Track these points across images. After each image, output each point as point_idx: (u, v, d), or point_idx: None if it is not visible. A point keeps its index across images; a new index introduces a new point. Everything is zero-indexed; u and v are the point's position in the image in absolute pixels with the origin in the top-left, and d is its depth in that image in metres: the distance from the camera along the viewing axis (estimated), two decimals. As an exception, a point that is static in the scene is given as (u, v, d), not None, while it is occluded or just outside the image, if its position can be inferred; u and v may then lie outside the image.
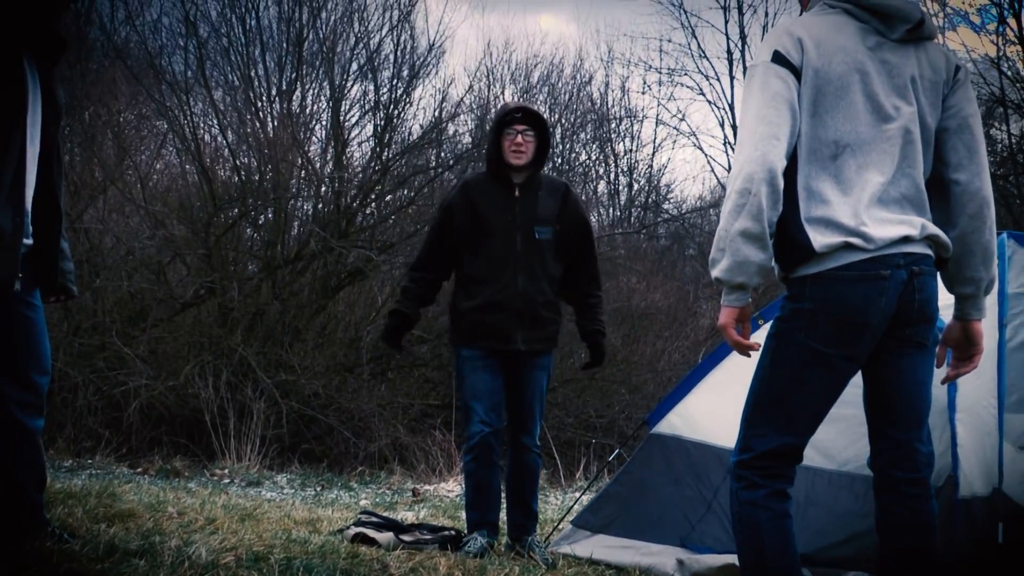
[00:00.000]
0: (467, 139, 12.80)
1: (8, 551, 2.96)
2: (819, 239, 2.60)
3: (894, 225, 2.62)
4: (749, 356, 2.78)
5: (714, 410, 4.45)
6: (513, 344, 4.37)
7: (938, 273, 2.76)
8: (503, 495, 4.57)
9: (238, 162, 11.36)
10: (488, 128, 4.68)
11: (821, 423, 2.74)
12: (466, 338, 4.43)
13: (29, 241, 3.24)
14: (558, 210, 4.47)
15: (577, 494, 6.15)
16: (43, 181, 3.29)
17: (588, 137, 19.18)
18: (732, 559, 3.86)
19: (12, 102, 3.11)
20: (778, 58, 2.64)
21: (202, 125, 12.21)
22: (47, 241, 3.34)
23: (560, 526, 5.02)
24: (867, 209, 2.62)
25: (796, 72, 2.64)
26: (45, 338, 3.39)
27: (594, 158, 19.38)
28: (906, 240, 2.63)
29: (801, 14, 2.91)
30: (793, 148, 2.65)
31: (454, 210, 4.46)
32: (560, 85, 18.14)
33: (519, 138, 4.40)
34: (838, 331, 2.62)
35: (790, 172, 2.64)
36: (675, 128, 22.70)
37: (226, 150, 11.57)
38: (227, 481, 8.03)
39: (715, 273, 2.67)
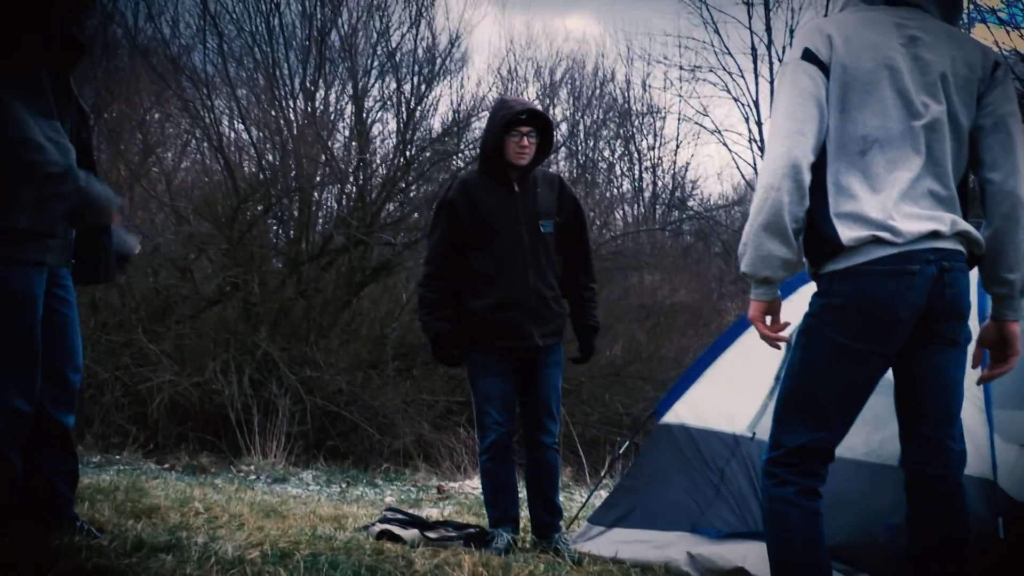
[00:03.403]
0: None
1: (38, 545, 2.98)
2: (847, 233, 2.58)
3: (923, 220, 2.60)
4: (780, 348, 2.78)
5: (717, 398, 4.51)
6: (530, 341, 4.34)
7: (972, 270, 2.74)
8: (523, 491, 4.57)
9: (263, 161, 11.40)
10: (486, 127, 4.55)
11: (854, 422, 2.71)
12: (478, 340, 4.39)
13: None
14: (556, 203, 4.46)
15: (599, 491, 6.14)
16: None
17: (611, 134, 19.14)
18: (742, 561, 3.87)
19: (64, 101, 3.23)
20: (807, 55, 2.65)
21: (225, 122, 12.28)
22: (95, 237, 3.41)
23: (577, 523, 5.01)
24: (896, 204, 2.60)
25: (825, 69, 2.64)
26: (78, 335, 3.43)
27: (618, 155, 19.35)
28: (935, 235, 2.60)
29: (827, 13, 2.90)
30: (822, 144, 2.64)
31: (455, 208, 4.39)
32: (582, 83, 18.11)
33: (524, 140, 4.35)
34: (867, 326, 2.60)
35: (819, 168, 2.64)
36: (699, 124, 22.60)
37: (251, 148, 11.61)
38: (253, 477, 8.06)
39: (741, 267, 2.68)
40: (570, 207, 4.51)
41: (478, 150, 4.66)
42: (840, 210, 2.61)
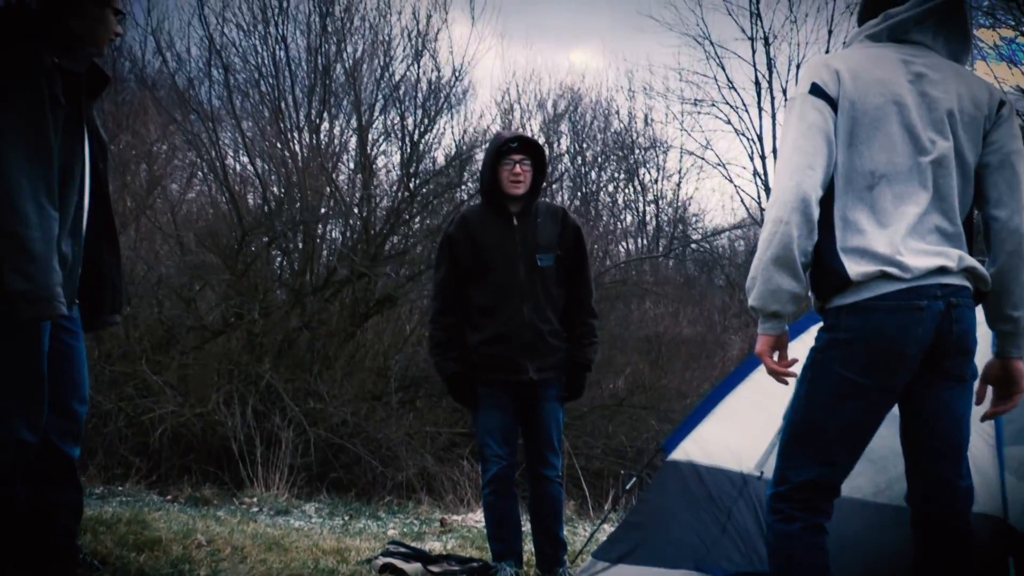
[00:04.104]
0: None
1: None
2: (854, 268, 2.59)
3: (930, 256, 2.61)
4: (786, 383, 2.77)
5: (726, 436, 4.50)
6: (524, 374, 4.34)
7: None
8: (527, 525, 4.55)
9: (268, 193, 11.45)
10: (483, 160, 4.60)
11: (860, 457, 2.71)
12: (475, 373, 4.40)
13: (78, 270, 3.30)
14: (558, 236, 4.45)
15: (604, 525, 6.10)
16: (101, 215, 3.39)
17: (614, 168, 19.21)
18: None
19: (75, 140, 3.22)
20: (815, 90, 2.66)
21: (231, 154, 12.32)
22: (111, 269, 3.43)
23: (581, 557, 4.98)
24: (903, 239, 2.60)
25: (833, 103, 2.66)
26: (85, 366, 3.43)
27: (620, 188, 19.41)
28: (943, 271, 2.61)
29: (828, 50, 2.93)
30: (830, 178, 2.64)
31: (455, 243, 4.43)
32: (585, 115, 18.19)
33: (517, 168, 4.37)
34: (873, 361, 2.59)
35: (827, 202, 2.65)
36: (701, 158, 22.69)
37: (256, 180, 11.67)
38: (256, 510, 8.02)
39: (750, 301, 2.68)
40: (571, 240, 4.50)
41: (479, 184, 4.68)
42: (847, 244, 2.62)
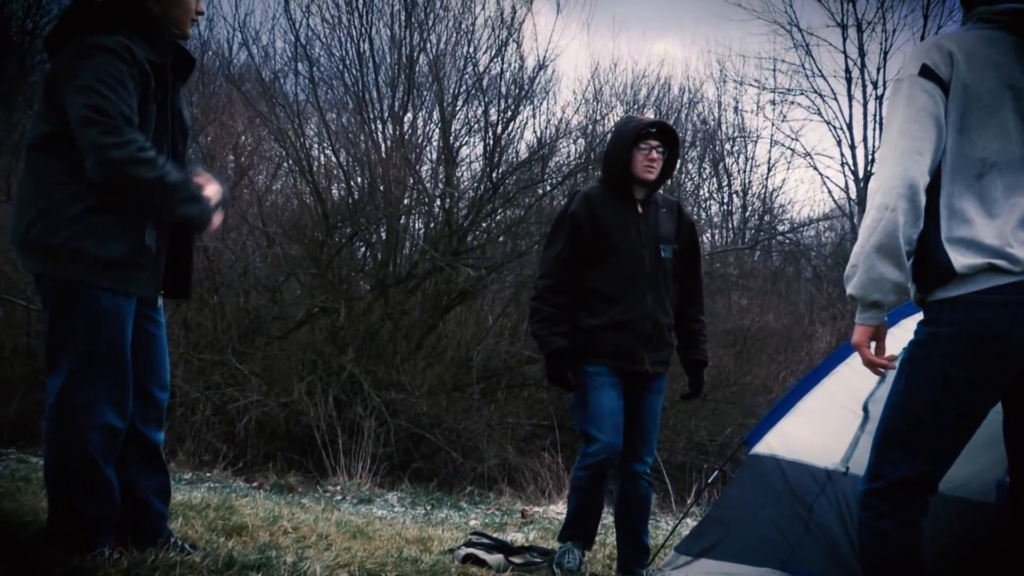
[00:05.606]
0: (573, 157, 12.76)
1: (135, 560, 3.03)
2: (960, 260, 2.48)
3: None
4: (883, 375, 2.68)
5: (810, 430, 4.40)
6: (640, 365, 4.23)
7: None
8: (605, 520, 4.48)
9: (352, 185, 11.56)
10: (613, 141, 4.45)
11: (959, 455, 2.61)
12: (590, 355, 4.24)
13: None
14: (675, 228, 4.37)
15: (686, 519, 6.03)
16: None
17: (698, 156, 18.96)
18: None
19: (163, 128, 3.28)
20: (926, 72, 2.55)
21: (316, 147, 12.46)
22: (183, 254, 3.47)
23: (663, 551, 4.92)
24: (1014, 231, 2.49)
25: (944, 86, 2.54)
26: (166, 354, 3.49)
27: (705, 177, 19.17)
28: None
29: (923, 36, 2.82)
30: (937, 165, 2.54)
31: (578, 221, 4.28)
32: (670, 104, 17.96)
33: (653, 153, 4.27)
34: (978, 358, 2.49)
35: (932, 190, 2.54)
36: (790, 149, 22.28)
37: (340, 171, 11.78)
38: (339, 498, 8.12)
39: (849, 289, 2.58)
40: (687, 235, 4.43)
41: (601, 166, 4.54)
42: (953, 235, 2.52)
